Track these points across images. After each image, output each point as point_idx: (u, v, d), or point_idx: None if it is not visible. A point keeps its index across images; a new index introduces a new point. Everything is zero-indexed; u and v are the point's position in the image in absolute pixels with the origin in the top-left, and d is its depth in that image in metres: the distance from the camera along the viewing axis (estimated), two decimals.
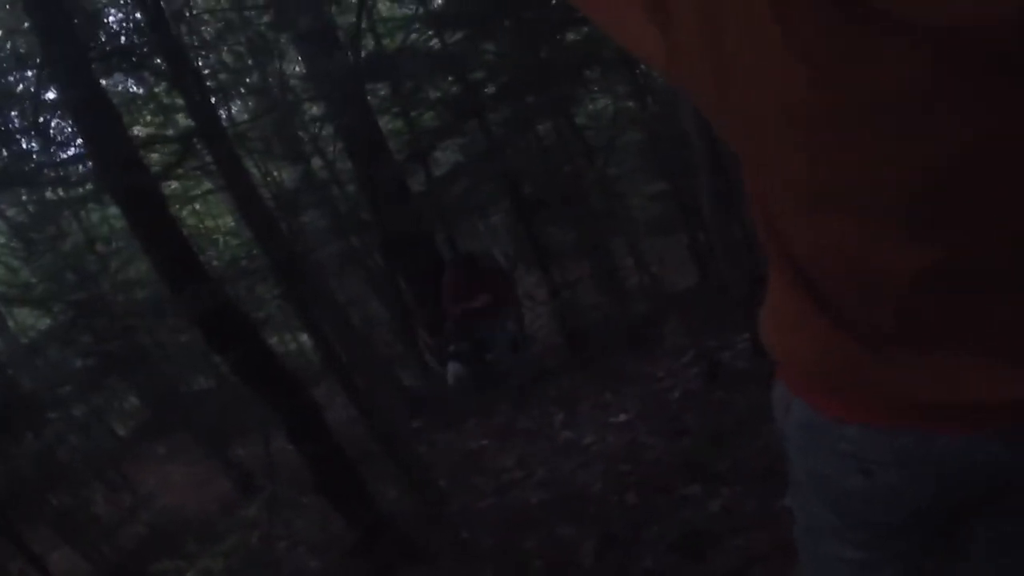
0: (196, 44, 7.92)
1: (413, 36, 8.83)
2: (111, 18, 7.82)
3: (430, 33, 8.57)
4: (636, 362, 6.94)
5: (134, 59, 5.87)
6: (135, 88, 9.63)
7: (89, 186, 8.23)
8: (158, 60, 5.55)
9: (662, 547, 4.00)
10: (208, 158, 5.84)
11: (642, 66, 8.28)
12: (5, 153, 7.61)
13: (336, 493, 5.04)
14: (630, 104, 8.72)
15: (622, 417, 6.02)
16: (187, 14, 7.56)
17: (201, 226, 12.72)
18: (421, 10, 8.90)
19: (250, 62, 8.87)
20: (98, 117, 4.67)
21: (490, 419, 7.21)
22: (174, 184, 11.00)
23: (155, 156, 8.27)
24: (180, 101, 8.52)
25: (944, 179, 0.91)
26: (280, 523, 6.35)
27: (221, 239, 12.37)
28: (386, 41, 9.24)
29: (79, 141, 7.75)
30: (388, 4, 10.70)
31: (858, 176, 0.96)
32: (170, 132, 9.11)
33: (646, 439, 5.43)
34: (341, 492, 5.01)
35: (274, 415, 5.04)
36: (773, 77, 0.92)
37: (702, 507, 4.26)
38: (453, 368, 8.09)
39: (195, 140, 5.50)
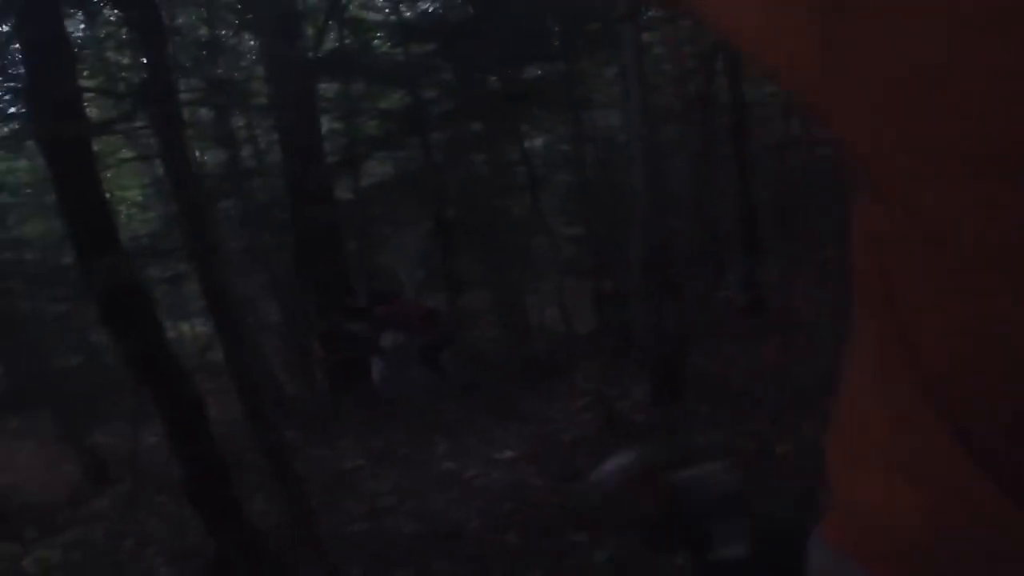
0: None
1: (377, 43, 8.66)
2: None
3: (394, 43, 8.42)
4: (529, 400, 6.68)
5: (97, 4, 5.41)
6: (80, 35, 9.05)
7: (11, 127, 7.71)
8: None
9: None
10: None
11: (584, 111, 8.30)
12: None
13: (206, 500, 4.60)
14: (565, 147, 8.69)
15: (508, 454, 5.74)
16: None
17: (109, 195, 12.04)
18: (393, 18, 8.72)
19: (210, 32, 8.45)
20: (50, 55, 4.24)
21: (367, 439, 6.82)
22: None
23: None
24: (124, 60, 8.10)
25: None
26: (132, 521, 5.84)
27: (125, 211, 11.67)
28: (348, 42, 8.97)
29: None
30: (359, 8, 10.41)
31: None
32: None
33: (533, 479, 5.16)
34: (211, 500, 4.57)
35: (156, 408, 4.59)
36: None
37: (588, 556, 4.01)
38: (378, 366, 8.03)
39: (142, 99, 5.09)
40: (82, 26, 8.52)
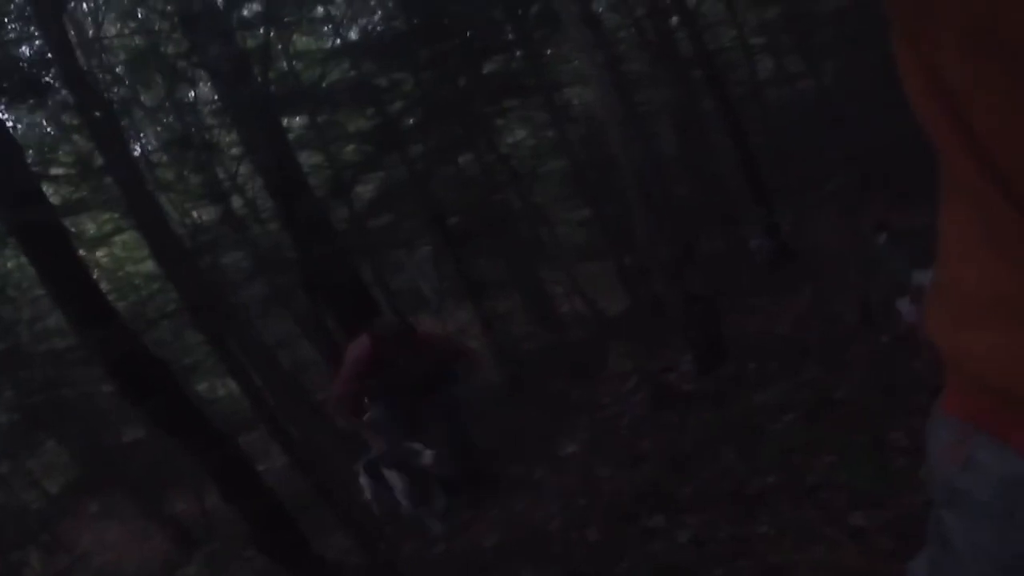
0: (104, 74, 7.36)
1: (331, 70, 8.47)
2: (15, 48, 7.02)
3: (346, 66, 8.24)
4: (578, 390, 6.54)
5: (38, 91, 5.37)
6: (45, 126, 8.97)
7: None
8: (64, 91, 5.09)
9: None
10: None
11: (555, 93, 8.06)
12: None
13: (276, 548, 4.54)
14: (549, 133, 8.48)
15: (571, 448, 5.61)
16: (95, 44, 7.03)
17: (120, 271, 11.91)
18: (338, 42, 8.52)
19: (162, 94, 8.29)
20: None
21: None
22: (91, 228, 10.41)
23: (60, 194, 7.72)
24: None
25: None
26: None
27: (140, 283, 11.54)
28: (302, 74, 8.82)
29: None
30: (303, 37, 10.23)
31: None
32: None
33: (600, 470, 5.02)
34: (281, 546, 4.51)
35: (202, 468, 4.54)
36: None
37: (671, 538, 3.86)
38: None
39: (101, 174, 5.04)
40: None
